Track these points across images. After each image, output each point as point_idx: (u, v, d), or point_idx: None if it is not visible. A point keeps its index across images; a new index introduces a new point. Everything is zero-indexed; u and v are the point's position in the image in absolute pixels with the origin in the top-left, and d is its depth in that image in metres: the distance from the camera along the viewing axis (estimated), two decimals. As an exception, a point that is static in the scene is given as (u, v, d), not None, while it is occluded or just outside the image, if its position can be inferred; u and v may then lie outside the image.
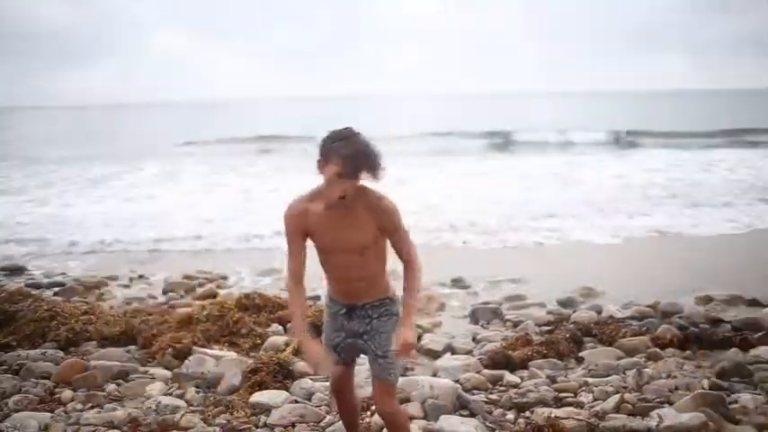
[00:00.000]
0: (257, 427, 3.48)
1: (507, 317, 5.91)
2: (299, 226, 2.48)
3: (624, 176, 15.40)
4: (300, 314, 2.61)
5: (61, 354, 4.63)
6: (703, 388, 3.83)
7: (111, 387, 4.03)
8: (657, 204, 11.75)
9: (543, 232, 9.67)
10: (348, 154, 2.28)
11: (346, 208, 2.40)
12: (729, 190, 13.04)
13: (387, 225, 2.47)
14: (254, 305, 5.52)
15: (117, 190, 15.06)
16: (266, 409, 3.64)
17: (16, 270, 7.93)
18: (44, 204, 13.27)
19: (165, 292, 6.93)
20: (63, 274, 7.78)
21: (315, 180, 2.47)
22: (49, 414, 3.58)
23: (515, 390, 3.99)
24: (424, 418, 3.56)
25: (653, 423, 3.35)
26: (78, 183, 16.62)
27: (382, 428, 3.18)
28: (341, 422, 3.42)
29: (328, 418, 3.56)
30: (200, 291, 6.95)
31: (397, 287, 2.68)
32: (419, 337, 5.21)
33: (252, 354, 4.67)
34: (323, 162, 2.35)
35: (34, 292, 6.08)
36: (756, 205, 11.40)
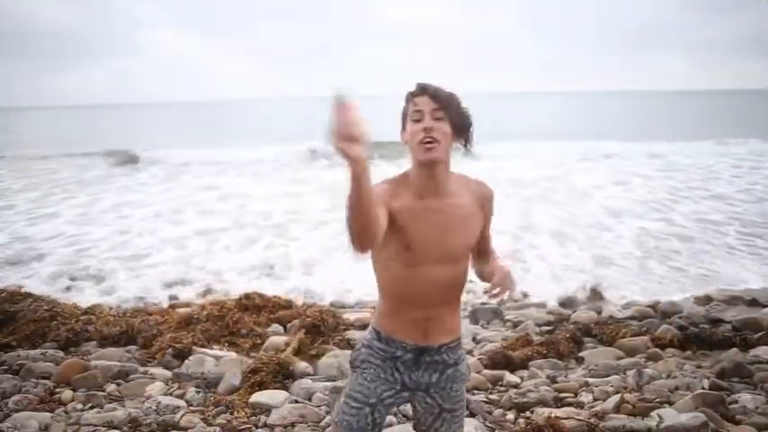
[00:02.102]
0: (257, 427, 3.47)
1: (507, 317, 5.92)
2: (388, 200, 1.76)
3: (628, 184, 14.73)
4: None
5: (61, 354, 4.63)
6: (703, 388, 3.82)
7: (111, 387, 4.03)
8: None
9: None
10: (421, 85, 1.78)
11: (447, 196, 1.81)
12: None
13: (489, 214, 1.94)
14: (254, 305, 5.52)
15: (111, 193, 15.00)
16: (266, 409, 3.63)
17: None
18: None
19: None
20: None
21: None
22: (49, 414, 3.58)
23: (515, 390, 3.99)
24: (424, 417, 3.55)
25: (653, 423, 3.34)
26: (75, 185, 16.58)
27: None
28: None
29: (328, 417, 3.55)
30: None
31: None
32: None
33: (252, 354, 4.67)
34: (402, 128, 1.83)
35: (34, 291, 6.08)
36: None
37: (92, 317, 5.27)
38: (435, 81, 1.82)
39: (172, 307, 6.08)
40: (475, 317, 5.97)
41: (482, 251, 1.99)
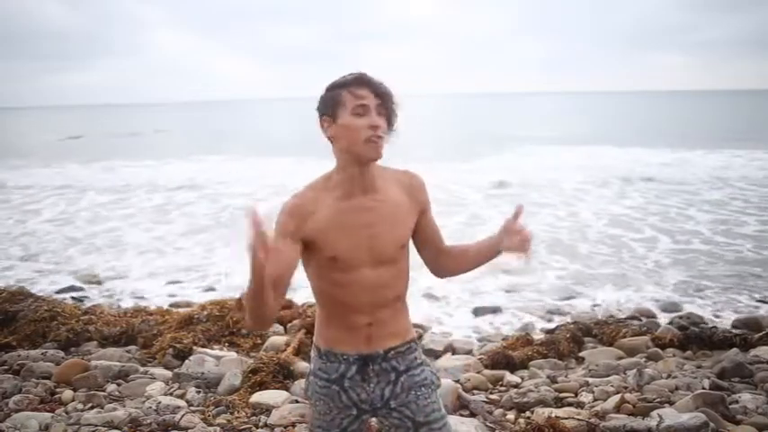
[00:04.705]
0: (257, 427, 3.47)
1: (508, 316, 5.92)
2: (296, 228, 1.67)
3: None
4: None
5: (62, 354, 4.64)
6: (704, 388, 3.82)
7: (111, 387, 4.03)
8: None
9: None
10: (363, 76, 1.67)
11: (376, 191, 1.72)
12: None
13: (426, 205, 1.83)
14: (255, 305, 5.52)
15: (104, 194, 15.06)
16: (266, 409, 3.63)
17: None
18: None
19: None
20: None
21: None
22: (49, 414, 3.58)
23: (516, 390, 3.99)
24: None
25: (653, 423, 3.34)
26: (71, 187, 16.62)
27: None
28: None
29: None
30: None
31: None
32: (419, 337, 5.22)
33: (252, 354, 4.67)
34: (327, 118, 1.67)
35: (34, 291, 6.09)
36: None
37: (92, 317, 5.28)
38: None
39: (172, 306, 6.08)
40: (476, 316, 5.96)
41: (432, 242, 1.85)
